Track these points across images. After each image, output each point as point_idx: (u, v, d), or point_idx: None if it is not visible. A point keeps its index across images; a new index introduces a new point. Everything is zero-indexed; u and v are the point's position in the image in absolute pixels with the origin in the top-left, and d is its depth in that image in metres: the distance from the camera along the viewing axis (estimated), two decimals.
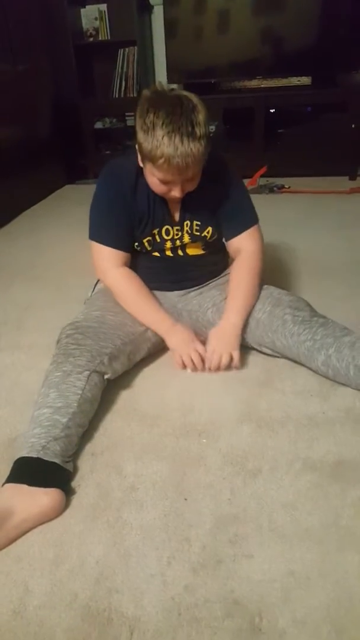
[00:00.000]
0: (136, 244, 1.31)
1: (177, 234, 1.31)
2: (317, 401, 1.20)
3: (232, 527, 0.90)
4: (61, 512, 0.94)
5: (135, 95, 3.40)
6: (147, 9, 3.41)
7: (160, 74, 3.53)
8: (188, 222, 1.30)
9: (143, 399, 1.26)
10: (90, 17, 3.33)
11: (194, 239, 1.33)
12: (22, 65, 2.95)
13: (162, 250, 1.34)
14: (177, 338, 1.33)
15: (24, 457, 0.97)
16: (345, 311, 1.26)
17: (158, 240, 1.31)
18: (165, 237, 1.31)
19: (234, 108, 3.30)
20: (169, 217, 1.29)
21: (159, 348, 1.39)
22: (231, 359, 1.30)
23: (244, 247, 1.36)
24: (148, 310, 1.32)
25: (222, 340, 1.30)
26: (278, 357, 1.33)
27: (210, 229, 1.32)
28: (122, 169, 1.25)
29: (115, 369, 1.22)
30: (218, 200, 1.31)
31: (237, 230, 1.35)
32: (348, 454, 1.04)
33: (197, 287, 1.43)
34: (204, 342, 1.33)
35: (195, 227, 1.31)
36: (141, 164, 1.16)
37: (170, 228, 1.30)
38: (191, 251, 1.36)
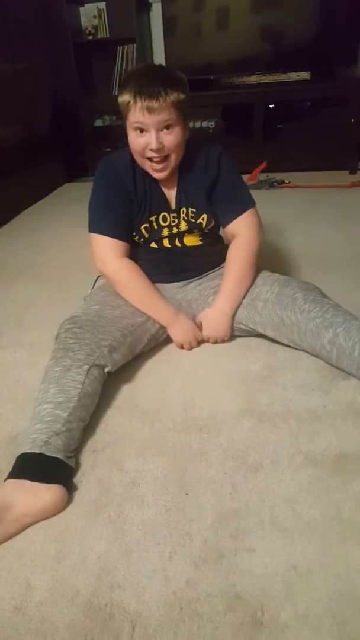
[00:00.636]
0: (134, 233, 1.32)
1: (173, 221, 1.33)
2: (318, 395, 1.20)
3: (233, 522, 0.90)
4: (63, 509, 0.94)
5: None
6: (146, 6, 3.39)
7: None
8: (184, 209, 1.32)
9: (144, 395, 1.26)
10: (89, 15, 3.33)
11: (191, 226, 1.34)
12: (21, 63, 2.94)
13: (159, 240, 1.35)
14: (180, 329, 1.36)
15: (26, 453, 0.97)
16: (345, 305, 1.25)
17: (155, 227, 1.33)
18: (162, 224, 1.33)
19: (234, 104, 3.29)
20: (166, 203, 1.31)
21: (160, 340, 1.40)
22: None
23: (239, 233, 1.36)
24: (150, 300, 1.33)
25: (213, 325, 1.37)
26: (282, 343, 1.33)
27: (205, 215, 1.33)
28: (116, 160, 1.31)
29: (116, 360, 1.21)
30: (212, 187, 1.32)
31: (232, 215, 1.35)
32: (349, 447, 1.04)
33: (196, 278, 1.44)
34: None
35: (190, 214, 1.33)
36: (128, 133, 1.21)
37: (167, 215, 1.32)
38: (189, 242, 1.37)
